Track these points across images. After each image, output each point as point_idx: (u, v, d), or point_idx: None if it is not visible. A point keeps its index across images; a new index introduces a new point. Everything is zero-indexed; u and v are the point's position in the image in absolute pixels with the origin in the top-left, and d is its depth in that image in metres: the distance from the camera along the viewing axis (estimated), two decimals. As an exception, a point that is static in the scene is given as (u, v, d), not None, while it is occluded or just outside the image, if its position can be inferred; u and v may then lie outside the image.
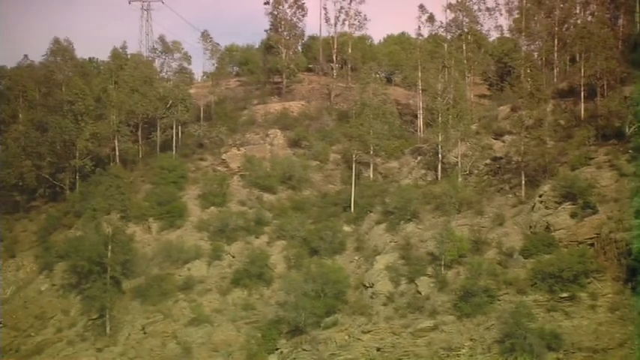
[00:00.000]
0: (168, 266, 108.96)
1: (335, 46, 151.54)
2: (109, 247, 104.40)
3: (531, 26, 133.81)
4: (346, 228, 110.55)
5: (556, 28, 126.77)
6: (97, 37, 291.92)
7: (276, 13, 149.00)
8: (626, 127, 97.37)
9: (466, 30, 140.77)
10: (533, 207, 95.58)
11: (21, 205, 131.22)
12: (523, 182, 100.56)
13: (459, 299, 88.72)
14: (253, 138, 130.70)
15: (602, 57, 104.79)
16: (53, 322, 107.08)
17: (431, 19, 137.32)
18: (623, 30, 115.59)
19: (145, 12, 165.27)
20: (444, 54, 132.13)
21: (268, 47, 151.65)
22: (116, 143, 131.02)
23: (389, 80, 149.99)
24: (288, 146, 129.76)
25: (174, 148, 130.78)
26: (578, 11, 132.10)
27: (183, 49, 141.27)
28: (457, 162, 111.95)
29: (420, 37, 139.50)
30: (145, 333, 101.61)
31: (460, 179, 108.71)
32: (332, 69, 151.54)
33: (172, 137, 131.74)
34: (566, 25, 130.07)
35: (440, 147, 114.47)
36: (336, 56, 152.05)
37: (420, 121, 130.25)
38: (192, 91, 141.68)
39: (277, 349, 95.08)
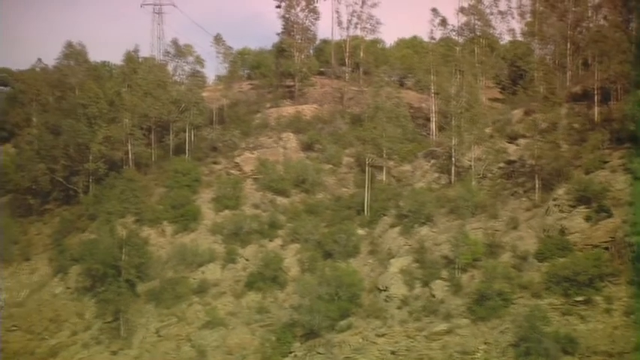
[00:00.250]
0: (183, 269, 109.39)
1: (347, 50, 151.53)
2: (124, 250, 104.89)
3: (544, 30, 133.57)
4: (360, 231, 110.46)
5: (569, 32, 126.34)
6: (105, 40, 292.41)
7: (288, 16, 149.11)
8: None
9: (478, 33, 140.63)
10: (547, 210, 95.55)
11: (35, 209, 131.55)
12: (537, 186, 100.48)
13: (474, 303, 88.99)
14: (266, 141, 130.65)
15: (616, 60, 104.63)
16: (68, 325, 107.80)
17: (443, 22, 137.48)
18: (636, 33, 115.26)
19: (157, 15, 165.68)
20: (458, 57, 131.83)
21: (280, 50, 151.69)
22: (129, 147, 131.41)
23: (401, 84, 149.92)
24: (301, 150, 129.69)
25: (187, 151, 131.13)
26: (590, 14, 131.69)
27: (195, 52, 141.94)
28: (471, 165, 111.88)
29: (433, 41, 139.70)
30: (159, 336, 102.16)
31: (474, 182, 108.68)
32: (344, 72, 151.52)
33: (185, 141, 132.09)
34: (578, 29, 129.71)
35: (454, 150, 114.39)
36: (349, 60, 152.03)
37: (433, 125, 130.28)
38: (204, 94, 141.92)
39: (291, 353, 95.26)
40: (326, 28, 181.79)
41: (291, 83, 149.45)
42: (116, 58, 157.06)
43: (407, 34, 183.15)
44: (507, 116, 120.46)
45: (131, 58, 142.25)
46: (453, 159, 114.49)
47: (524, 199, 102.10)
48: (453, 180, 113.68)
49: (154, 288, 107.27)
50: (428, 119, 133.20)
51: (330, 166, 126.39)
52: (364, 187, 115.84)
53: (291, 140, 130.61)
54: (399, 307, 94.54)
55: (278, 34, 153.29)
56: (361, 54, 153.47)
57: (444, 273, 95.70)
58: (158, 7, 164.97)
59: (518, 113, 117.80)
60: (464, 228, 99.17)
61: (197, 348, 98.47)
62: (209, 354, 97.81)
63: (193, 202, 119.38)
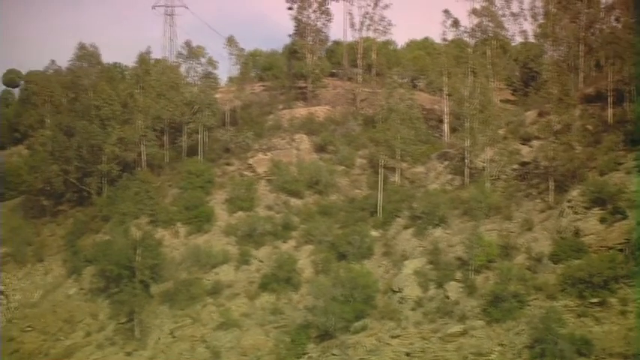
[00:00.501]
0: (197, 271, 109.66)
1: (360, 51, 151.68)
2: (138, 251, 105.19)
3: (556, 31, 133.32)
4: (374, 233, 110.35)
5: (582, 33, 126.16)
6: (112, 43, 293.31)
7: (300, 17, 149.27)
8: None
9: (490, 35, 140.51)
10: (561, 212, 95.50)
11: (48, 210, 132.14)
12: (551, 187, 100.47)
13: (489, 304, 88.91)
14: (279, 143, 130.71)
15: (629, 62, 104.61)
16: (82, 326, 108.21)
17: (456, 24, 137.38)
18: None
19: (169, 17, 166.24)
20: (471, 59, 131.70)
21: (293, 52, 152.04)
22: (143, 148, 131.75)
23: (413, 85, 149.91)
24: (314, 151, 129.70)
25: (200, 152, 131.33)
26: (603, 16, 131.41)
27: (207, 53, 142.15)
28: (484, 167, 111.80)
29: (445, 42, 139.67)
30: (173, 337, 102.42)
31: (488, 184, 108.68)
32: (356, 74, 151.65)
33: (198, 142, 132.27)
34: (591, 30, 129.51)
35: (467, 152, 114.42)
36: (361, 61, 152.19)
37: (446, 126, 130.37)
38: (217, 95, 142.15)
39: (306, 354, 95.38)
40: (338, 30, 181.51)
41: (304, 85, 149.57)
42: (124, 60, 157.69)
43: (418, 36, 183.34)
44: (520, 118, 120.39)
45: (144, 59, 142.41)
46: (467, 160, 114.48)
47: (538, 200, 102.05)
48: (466, 181, 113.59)
49: (168, 289, 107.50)
50: (440, 121, 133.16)
51: (343, 167, 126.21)
52: (377, 188, 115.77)
53: (304, 142, 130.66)
54: (413, 309, 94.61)
55: (290, 35, 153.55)
56: (373, 55, 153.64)
57: (458, 274, 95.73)
58: (170, 9, 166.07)
59: (531, 115, 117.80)
60: (478, 229, 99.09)
61: (211, 349, 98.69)
62: (223, 355, 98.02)
63: (207, 204, 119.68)
